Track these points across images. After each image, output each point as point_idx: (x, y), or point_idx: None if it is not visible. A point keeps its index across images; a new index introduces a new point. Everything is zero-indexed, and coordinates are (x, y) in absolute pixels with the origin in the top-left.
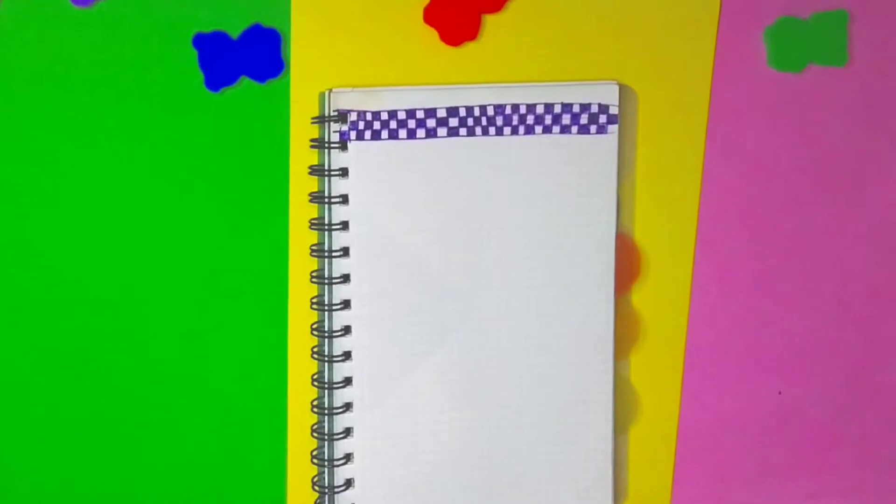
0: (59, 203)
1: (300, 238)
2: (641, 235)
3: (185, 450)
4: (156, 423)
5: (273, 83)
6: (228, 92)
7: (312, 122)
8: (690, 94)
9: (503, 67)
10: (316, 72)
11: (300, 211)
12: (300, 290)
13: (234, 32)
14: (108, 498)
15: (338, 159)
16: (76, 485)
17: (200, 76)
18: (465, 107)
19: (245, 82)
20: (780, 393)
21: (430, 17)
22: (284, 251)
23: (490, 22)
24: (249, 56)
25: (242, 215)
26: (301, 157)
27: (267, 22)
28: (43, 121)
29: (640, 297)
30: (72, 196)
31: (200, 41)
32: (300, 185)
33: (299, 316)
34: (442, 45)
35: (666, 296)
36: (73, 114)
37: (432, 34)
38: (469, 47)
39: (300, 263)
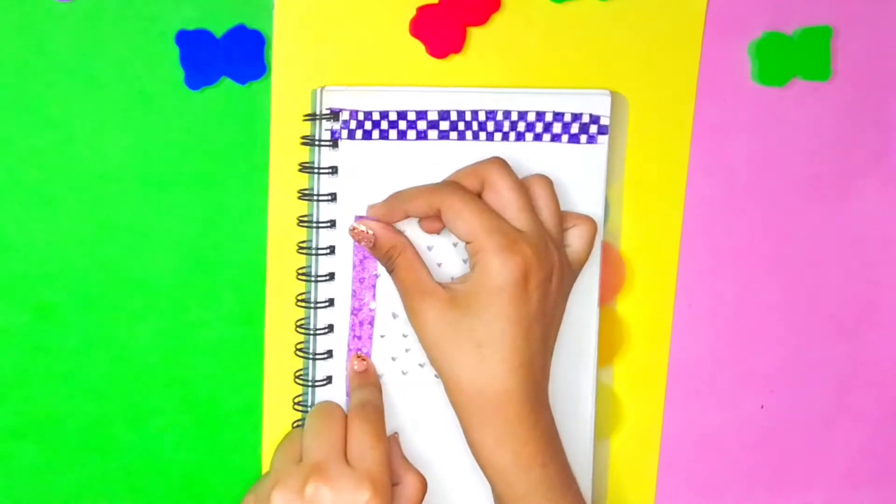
0: (36, 198)
1: (279, 236)
2: (627, 245)
3: (161, 448)
4: (132, 418)
5: (253, 85)
6: (208, 91)
7: (304, 119)
8: (675, 108)
9: (488, 80)
10: (298, 75)
11: (279, 210)
12: (279, 287)
13: (218, 32)
14: (88, 487)
15: (328, 157)
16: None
17: (181, 73)
18: (456, 111)
19: (225, 82)
20: (762, 407)
21: (416, 30)
22: (263, 249)
23: (475, 35)
24: (232, 56)
25: (220, 213)
26: (280, 157)
27: (251, 24)
28: (21, 114)
29: (624, 306)
30: (50, 191)
31: (183, 38)
32: (279, 184)
33: (278, 312)
34: (428, 57)
35: (650, 306)
36: (53, 108)
37: (418, 45)
38: (455, 60)
39: (279, 261)
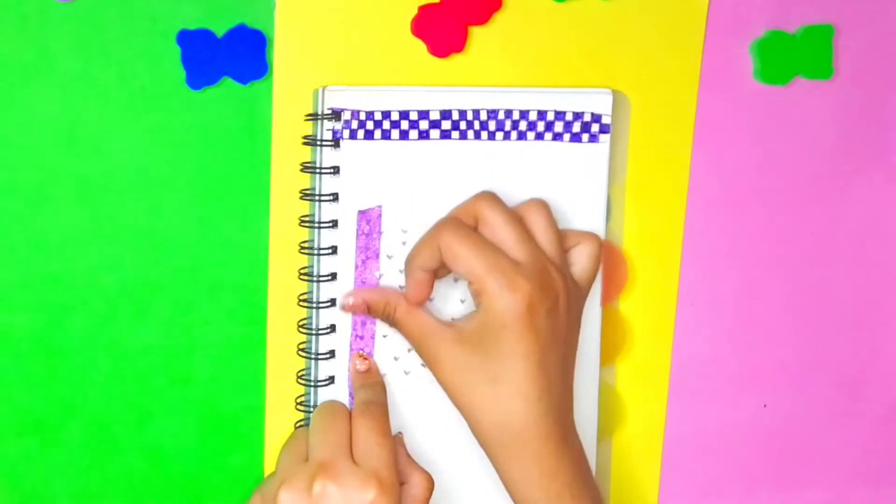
0: (37, 197)
1: (281, 236)
2: (629, 244)
3: (163, 448)
4: (134, 418)
5: (254, 85)
6: (210, 91)
7: (306, 119)
8: (677, 107)
9: (490, 79)
10: (300, 74)
11: (281, 210)
12: (281, 287)
13: (220, 31)
14: (89, 487)
15: (329, 157)
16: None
17: (182, 73)
18: (458, 110)
19: (227, 82)
20: (765, 406)
21: (418, 29)
22: (264, 249)
23: (477, 34)
24: (233, 56)
25: (222, 213)
26: (282, 156)
27: (253, 23)
28: (22, 115)
29: (626, 305)
30: (51, 191)
31: (184, 38)
32: (281, 184)
33: (280, 312)
34: (429, 56)
35: (652, 305)
36: (54, 108)
37: (420, 45)
38: (456, 59)
39: (281, 260)
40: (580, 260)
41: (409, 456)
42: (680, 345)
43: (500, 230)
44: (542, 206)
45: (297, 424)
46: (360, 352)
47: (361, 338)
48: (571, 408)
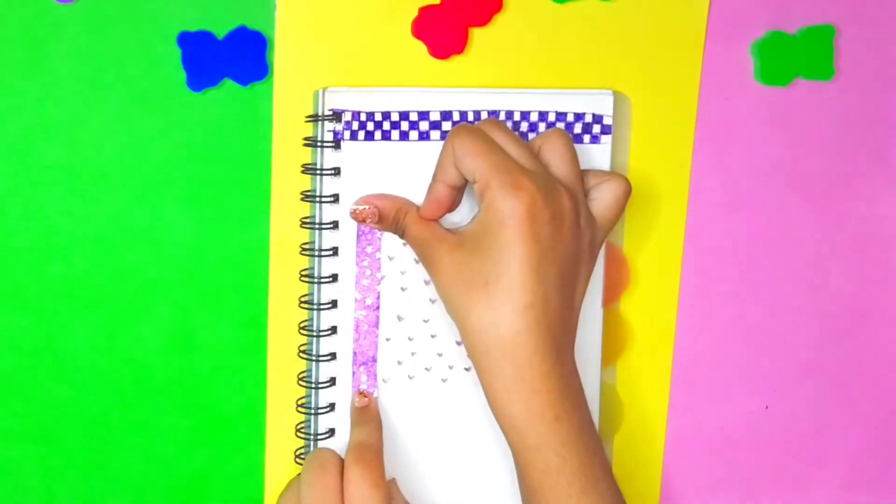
0: (38, 200)
1: (282, 237)
2: (630, 245)
3: (164, 450)
4: (135, 420)
5: (255, 87)
6: (210, 93)
7: (307, 121)
8: (678, 108)
9: (490, 80)
10: (300, 76)
11: (282, 211)
12: (282, 289)
13: (220, 33)
14: (90, 492)
15: (330, 159)
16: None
17: (183, 75)
18: (458, 111)
19: (227, 84)
20: (766, 408)
21: (418, 30)
22: (265, 250)
23: (477, 35)
24: (234, 58)
25: (222, 215)
26: (283, 158)
27: (253, 25)
28: (23, 117)
29: (628, 306)
30: (52, 193)
31: (185, 40)
32: (282, 185)
33: (280, 314)
34: (430, 57)
35: (654, 306)
36: (55, 110)
37: (420, 46)
38: (457, 60)
39: (282, 262)
40: (601, 196)
41: (404, 500)
42: (681, 346)
43: (505, 145)
44: (562, 133)
45: (297, 426)
46: (361, 389)
47: (364, 340)
48: (571, 335)
